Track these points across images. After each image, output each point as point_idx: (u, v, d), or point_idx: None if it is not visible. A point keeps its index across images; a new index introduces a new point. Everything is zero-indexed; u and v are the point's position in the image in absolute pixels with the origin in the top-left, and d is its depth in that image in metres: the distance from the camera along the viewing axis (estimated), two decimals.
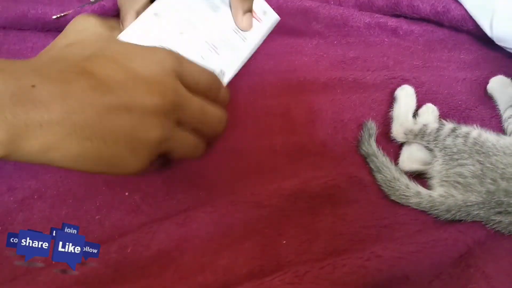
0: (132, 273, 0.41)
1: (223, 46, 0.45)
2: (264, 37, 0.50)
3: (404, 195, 0.44)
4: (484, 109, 0.53)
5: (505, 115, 0.51)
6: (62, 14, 0.67)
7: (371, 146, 0.48)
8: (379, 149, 0.48)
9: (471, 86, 0.56)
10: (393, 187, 0.44)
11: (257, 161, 0.50)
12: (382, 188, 0.45)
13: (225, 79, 0.44)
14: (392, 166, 0.46)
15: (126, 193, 0.48)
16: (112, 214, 0.46)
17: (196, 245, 0.43)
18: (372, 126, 0.50)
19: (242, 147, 0.52)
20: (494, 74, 0.55)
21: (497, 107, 0.53)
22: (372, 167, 0.47)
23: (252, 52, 0.48)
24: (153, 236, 0.42)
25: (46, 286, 0.39)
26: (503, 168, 0.41)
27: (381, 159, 0.47)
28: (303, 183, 0.46)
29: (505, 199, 0.40)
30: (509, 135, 0.49)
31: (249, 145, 0.52)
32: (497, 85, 0.54)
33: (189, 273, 0.41)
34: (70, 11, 0.67)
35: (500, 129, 0.51)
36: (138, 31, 0.42)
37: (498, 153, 0.42)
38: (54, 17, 0.66)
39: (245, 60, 0.47)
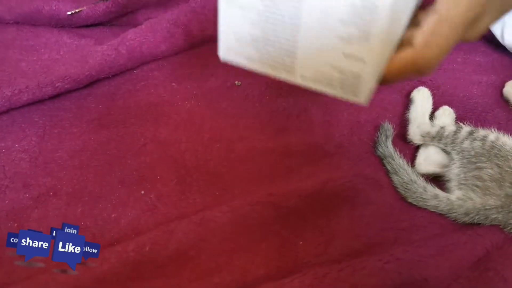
0: (150, 272, 0.41)
1: None
2: None
3: (421, 197, 0.44)
4: (500, 112, 0.53)
5: None
6: (76, 11, 0.67)
7: (387, 148, 0.48)
8: (395, 151, 0.48)
9: (487, 89, 0.56)
10: (410, 190, 0.44)
11: (273, 161, 0.50)
12: (399, 190, 0.45)
13: None
14: (409, 168, 0.46)
15: (142, 192, 0.48)
16: (128, 213, 0.46)
17: (213, 245, 0.43)
18: (388, 128, 0.50)
19: (259, 146, 0.52)
20: (510, 78, 0.55)
21: None
22: (389, 168, 0.47)
23: None
24: (171, 236, 0.42)
25: (63, 285, 0.39)
26: None
27: (397, 161, 0.47)
28: (320, 184, 0.46)
29: None
30: None
31: (265, 144, 0.52)
32: None
33: (206, 273, 0.41)
34: (84, 8, 0.67)
35: None
36: None
37: None
38: (69, 13, 0.66)
39: None
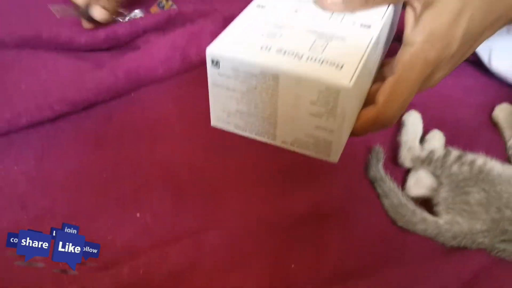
0: None
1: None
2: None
3: (410, 221, 0.45)
4: (489, 135, 0.54)
5: (509, 143, 0.52)
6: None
7: (379, 171, 0.49)
8: (386, 174, 0.49)
9: (476, 112, 0.57)
10: (399, 213, 0.45)
11: (266, 182, 0.51)
12: (389, 213, 0.46)
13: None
14: (399, 192, 0.47)
15: (138, 214, 0.49)
16: (124, 235, 0.47)
17: (207, 266, 0.44)
18: (380, 151, 0.51)
19: (252, 166, 0.53)
20: (498, 101, 0.57)
21: (502, 134, 0.54)
22: (380, 191, 0.48)
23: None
24: (165, 258, 0.43)
25: None
26: (507, 197, 0.42)
27: (388, 184, 0.48)
28: (313, 205, 0.48)
29: (509, 228, 0.41)
30: None
31: (258, 164, 0.53)
32: (502, 113, 0.55)
33: None
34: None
35: (505, 156, 0.52)
36: (241, 26, 0.38)
37: (503, 182, 0.43)
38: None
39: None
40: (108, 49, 0.70)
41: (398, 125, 0.54)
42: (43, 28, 0.70)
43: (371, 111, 0.37)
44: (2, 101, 0.59)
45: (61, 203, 0.50)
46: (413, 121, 0.53)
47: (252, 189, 0.51)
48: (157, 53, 0.60)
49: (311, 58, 0.33)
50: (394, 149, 0.53)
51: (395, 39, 0.44)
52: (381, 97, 0.36)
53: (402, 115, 0.55)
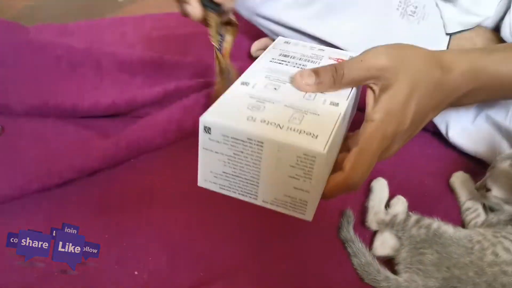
0: None
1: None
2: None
3: (375, 279, 0.51)
4: (447, 200, 0.62)
5: (463, 207, 0.59)
6: None
7: (349, 233, 0.56)
8: (356, 236, 0.56)
9: (436, 179, 0.65)
10: (366, 271, 0.52)
11: (253, 242, 0.58)
12: (358, 271, 0.53)
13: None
14: (366, 252, 0.54)
15: (136, 272, 0.54)
16: None
17: None
18: (350, 215, 0.58)
19: (240, 229, 0.59)
20: (456, 169, 0.65)
21: (458, 199, 0.61)
22: (350, 251, 0.55)
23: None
24: None
25: None
26: (456, 258, 0.49)
27: (357, 245, 0.54)
28: (294, 264, 0.54)
29: (458, 285, 0.47)
30: (467, 226, 0.57)
31: (245, 227, 0.59)
32: (457, 180, 0.63)
33: None
34: None
35: (460, 219, 0.60)
36: (229, 100, 0.43)
37: (453, 244, 0.50)
38: None
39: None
40: (110, 116, 0.78)
41: (368, 191, 0.62)
42: (49, 97, 0.78)
43: (339, 177, 0.42)
44: (14, 168, 0.66)
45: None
46: (380, 188, 0.60)
47: (239, 250, 0.57)
48: (155, 125, 0.68)
49: (291, 128, 0.39)
50: (363, 212, 0.60)
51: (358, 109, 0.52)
52: (347, 165, 0.41)
53: (369, 181, 0.63)
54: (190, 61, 0.84)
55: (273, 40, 0.84)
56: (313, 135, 0.38)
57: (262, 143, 0.38)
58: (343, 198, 0.62)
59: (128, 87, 0.81)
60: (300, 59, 0.49)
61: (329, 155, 0.39)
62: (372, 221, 0.57)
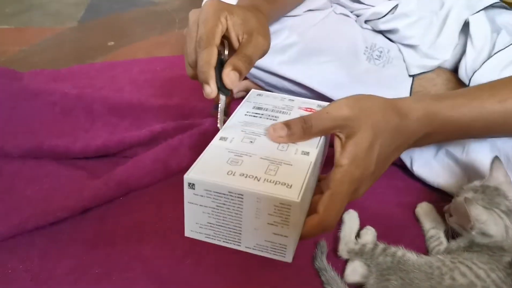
0: None
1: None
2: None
3: None
4: (412, 230, 0.67)
5: (427, 236, 0.65)
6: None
7: (322, 262, 0.60)
8: (328, 264, 0.60)
9: (403, 210, 0.70)
10: None
11: (236, 272, 0.62)
12: None
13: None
14: (338, 279, 0.58)
15: None
16: None
17: None
18: (324, 245, 0.63)
19: (224, 258, 0.64)
20: (421, 200, 0.70)
21: (423, 228, 0.67)
22: (323, 279, 0.59)
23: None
24: None
25: None
26: (417, 283, 0.53)
27: (330, 273, 0.59)
28: None
29: None
30: (431, 252, 0.62)
31: (229, 257, 0.64)
32: (422, 210, 0.68)
33: None
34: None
35: (425, 246, 0.65)
36: (210, 156, 0.47)
37: (415, 270, 0.55)
38: None
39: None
40: (100, 156, 0.83)
41: (340, 222, 0.67)
42: (44, 140, 0.83)
43: (314, 219, 0.46)
44: (10, 208, 0.71)
45: None
46: (350, 219, 0.65)
47: (223, 279, 0.61)
48: (143, 165, 0.73)
49: (267, 180, 0.43)
50: (336, 242, 0.64)
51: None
52: (321, 208, 0.45)
53: (340, 219, 0.68)
54: (175, 103, 0.90)
55: (253, 82, 0.91)
56: (288, 185, 0.43)
57: (242, 195, 0.42)
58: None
59: (118, 129, 0.86)
60: (272, 111, 0.54)
61: (303, 202, 0.43)
62: (343, 250, 0.62)
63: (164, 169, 0.75)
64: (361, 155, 0.47)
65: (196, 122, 0.84)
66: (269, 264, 0.63)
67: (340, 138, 0.48)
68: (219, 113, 0.53)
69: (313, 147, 0.49)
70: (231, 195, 0.43)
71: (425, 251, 0.64)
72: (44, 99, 0.88)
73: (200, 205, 0.45)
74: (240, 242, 0.46)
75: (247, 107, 0.55)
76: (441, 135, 0.56)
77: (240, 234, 0.45)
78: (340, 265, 0.62)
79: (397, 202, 0.72)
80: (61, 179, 0.78)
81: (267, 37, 0.56)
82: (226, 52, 0.54)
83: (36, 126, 0.88)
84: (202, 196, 0.44)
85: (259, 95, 0.59)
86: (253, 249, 0.46)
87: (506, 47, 0.70)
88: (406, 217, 0.69)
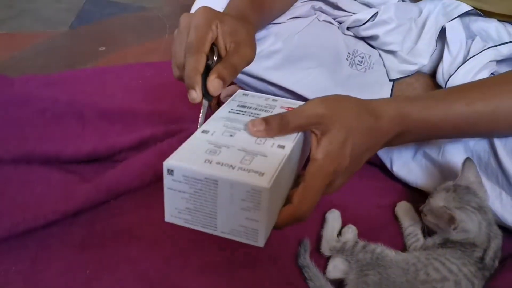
0: None
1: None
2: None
3: None
4: (391, 228, 0.70)
5: (405, 233, 0.68)
6: None
7: (305, 260, 0.63)
8: (311, 261, 0.63)
9: (383, 208, 0.73)
10: None
11: (221, 272, 0.64)
12: None
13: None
14: (320, 275, 0.61)
15: None
16: None
17: None
18: (307, 243, 0.65)
19: (210, 260, 0.66)
20: (400, 199, 0.73)
21: (401, 226, 0.69)
22: (306, 276, 0.62)
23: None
24: None
25: None
26: (394, 278, 0.56)
27: (312, 270, 0.62)
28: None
29: None
30: (408, 249, 0.65)
31: (215, 258, 0.66)
32: (401, 209, 0.71)
33: None
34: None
35: (403, 243, 0.68)
36: (190, 146, 0.49)
37: (392, 266, 0.58)
38: None
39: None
40: (91, 161, 0.85)
41: (323, 221, 0.70)
42: (35, 145, 0.85)
43: (288, 209, 0.48)
44: (2, 211, 0.72)
45: None
46: (333, 218, 0.68)
47: (209, 280, 0.63)
48: (133, 169, 0.75)
49: (241, 168, 0.45)
50: (319, 240, 0.67)
51: None
52: (295, 199, 0.48)
53: (324, 212, 0.71)
54: (164, 108, 0.92)
55: (240, 87, 0.94)
56: (260, 173, 0.45)
57: (217, 181, 0.45)
58: (301, 228, 0.69)
59: (108, 134, 0.88)
60: (255, 109, 0.57)
61: (274, 189, 0.45)
62: (325, 248, 0.64)
63: (153, 173, 0.77)
64: (334, 151, 0.49)
65: (185, 127, 0.86)
66: (253, 263, 0.66)
67: (316, 135, 0.51)
68: (200, 118, 0.55)
69: (289, 141, 0.51)
70: (207, 181, 0.45)
71: (403, 248, 0.67)
72: (35, 104, 0.90)
73: (179, 191, 0.47)
74: (216, 227, 0.48)
75: (232, 105, 0.58)
76: (412, 134, 0.58)
77: (216, 219, 0.47)
78: (322, 262, 0.65)
79: (378, 202, 0.75)
80: (52, 183, 0.79)
81: (253, 48, 0.58)
82: (215, 58, 0.56)
83: (27, 131, 0.90)
84: (180, 182, 0.46)
85: (245, 95, 0.61)
86: (228, 233, 0.48)
87: (479, 52, 0.73)
88: (386, 217, 0.72)
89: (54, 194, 0.75)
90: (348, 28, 0.85)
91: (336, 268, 0.63)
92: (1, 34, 1.57)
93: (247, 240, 0.48)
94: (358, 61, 0.83)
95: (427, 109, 0.57)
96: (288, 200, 0.51)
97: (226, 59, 0.55)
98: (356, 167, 0.55)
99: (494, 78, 0.63)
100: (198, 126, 0.54)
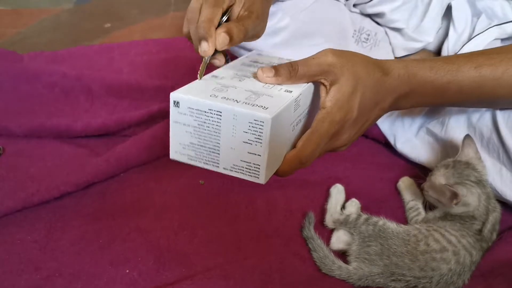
0: None
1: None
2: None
3: (330, 268, 0.60)
4: (394, 202, 0.72)
5: (407, 207, 0.70)
6: None
7: (310, 231, 0.65)
8: (315, 233, 0.65)
9: (386, 184, 0.75)
10: (323, 263, 0.61)
11: (226, 243, 0.67)
12: (317, 263, 0.62)
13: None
14: (324, 247, 0.63)
15: (127, 270, 0.63)
16: (117, 287, 0.61)
17: None
18: (311, 216, 0.68)
19: (216, 231, 0.68)
20: (403, 175, 0.75)
21: (403, 200, 0.72)
22: (310, 247, 0.64)
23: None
24: None
25: None
26: (395, 248, 0.58)
27: (316, 241, 0.64)
28: (261, 260, 0.63)
29: (396, 270, 0.57)
30: (409, 222, 0.67)
31: (221, 230, 0.69)
32: (403, 184, 0.73)
33: None
34: None
35: (404, 217, 0.70)
36: (199, 84, 0.50)
37: (393, 237, 0.60)
38: None
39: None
40: (101, 135, 0.87)
41: (327, 195, 0.72)
42: (45, 119, 0.87)
43: (292, 152, 0.50)
44: (16, 184, 0.75)
45: (66, 264, 0.64)
46: (337, 192, 0.70)
47: (215, 249, 0.66)
48: (141, 144, 0.77)
49: (246, 103, 0.45)
50: (323, 213, 0.69)
51: None
52: (300, 143, 0.49)
53: (329, 187, 0.73)
54: (171, 84, 0.94)
55: None
56: (264, 107, 0.45)
57: (220, 112, 0.45)
58: (306, 202, 0.72)
59: (116, 109, 0.90)
60: (267, 64, 0.56)
61: (277, 125, 0.45)
62: (329, 221, 0.67)
63: (161, 146, 0.79)
64: (342, 99, 0.50)
65: None
66: (259, 234, 0.68)
67: (325, 85, 0.51)
68: (201, 65, 0.53)
69: (298, 88, 0.51)
70: (210, 113, 0.46)
71: (405, 222, 0.69)
72: (44, 80, 0.92)
73: (184, 124, 0.47)
74: (218, 163, 0.48)
75: (245, 60, 0.59)
76: (419, 95, 0.58)
77: (219, 154, 0.48)
78: (326, 234, 0.67)
79: (381, 177, 0.76)
80: (63, 156, 0.82)
81: (265, 21, 0.58)
82: (224, 19, 0.54)
83: (37, 106, 0.92)
84: (185, 114, 0.47)
85: (259, 54, 0.62)
86: (230, 170, 0.48)
87: (485, 30, 0.74)
88: (388, 191, 0.74)
89: (66, 167, 0.78)
90: (354, 5, 0.86)
91: (339, 239, 0.65)
92: (7, 10, 1.57)
93: (249, 177, 0.48)
94: (364, 38, 0.84)
95: (435, 69, 0.57)
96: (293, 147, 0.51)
97: (238, 20, 0.54)
98: (364, 123, 0.55)
99: (502, 47, 0.63)
100: (198, 77, 0.52)
